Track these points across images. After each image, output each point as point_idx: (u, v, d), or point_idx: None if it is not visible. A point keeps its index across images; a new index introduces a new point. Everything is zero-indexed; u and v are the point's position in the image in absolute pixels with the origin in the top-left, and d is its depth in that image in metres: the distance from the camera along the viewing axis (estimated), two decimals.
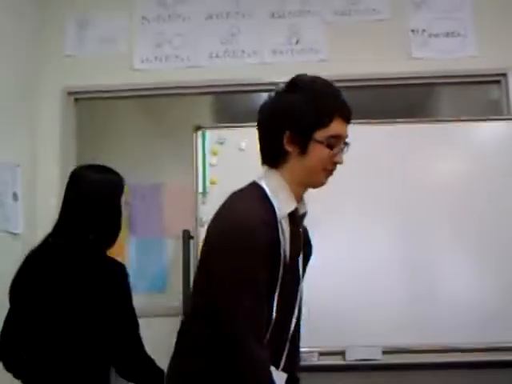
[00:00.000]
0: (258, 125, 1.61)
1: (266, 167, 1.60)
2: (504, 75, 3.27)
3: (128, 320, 1.91)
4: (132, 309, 1.93)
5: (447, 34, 3.32)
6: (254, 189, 1.56)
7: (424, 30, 3.32)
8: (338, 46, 3.30)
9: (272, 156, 1.57)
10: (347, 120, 1.55)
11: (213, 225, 1.55)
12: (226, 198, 1.59)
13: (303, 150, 1.52)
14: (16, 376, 1.95)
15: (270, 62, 3.32)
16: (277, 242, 1.49)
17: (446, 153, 2.88)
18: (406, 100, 3.75)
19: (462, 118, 2.98)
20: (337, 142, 1.53)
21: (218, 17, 3.41)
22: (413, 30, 3.33)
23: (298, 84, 1.56)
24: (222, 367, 1.44)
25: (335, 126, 1.52)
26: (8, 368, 1.96)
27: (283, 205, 1.53)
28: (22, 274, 1.95)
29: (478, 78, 3.31)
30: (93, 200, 1.92)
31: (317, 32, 3.34)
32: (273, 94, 1.60)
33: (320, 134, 1.51)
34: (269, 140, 1.57)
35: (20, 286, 1.94)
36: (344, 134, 1.55)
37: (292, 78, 1.59)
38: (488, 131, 2.94)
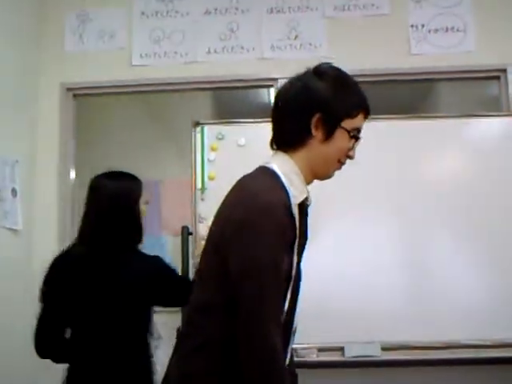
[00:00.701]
0: (278, 105, 1.55)
1: (273, 152, 1.56)
2: (503, 71, 3.27)
3: (176, 286, 2.17)
4: (177, 275, 2.22)
5: (447, 30, 3.31)
6: (268, 174, 1.49)
7: (423, 26, 3.32)
8: (337, 42, 3.29)
9: (292, 137, 1.52)
10: (367, 117, 1.56)
11: (230, 212, 1.46)
12: (236, 184, 1.53)
13: (329, 135, 1.49)
14: (56, 360, 2.09)
15: (268, 58, 3.30)
16: (295, 231, 1.45)
17: (444, 149, 2.87)
18: (405, 95, 3.74)
19: (461, 114, 2.96)
20: (357, 136, 1.54)
21: (217, 12, 3.40)
22: (412, 26, 3.32)
23: (326, 71, 1.54)
24: (239, 365, 1.36)
25: (359, 120, 1.53)
26: (45, 356, 2.09)
27: (297, 192, 1.48)
28: (62, 275, 2.07)
29: (477, 73, 3.31)
30: (110, 209, 2.10)
31: (316, 27, 3.33)
32: (295, 77, 1.56)
33: (347, 124, 1.50)
34: (293, 120, 1.51)
35: (65, 284, 2.05)
36: (361, 130, 1.55)
37: (318, 65, 1.56)
38: (487, 127, 2.93)
